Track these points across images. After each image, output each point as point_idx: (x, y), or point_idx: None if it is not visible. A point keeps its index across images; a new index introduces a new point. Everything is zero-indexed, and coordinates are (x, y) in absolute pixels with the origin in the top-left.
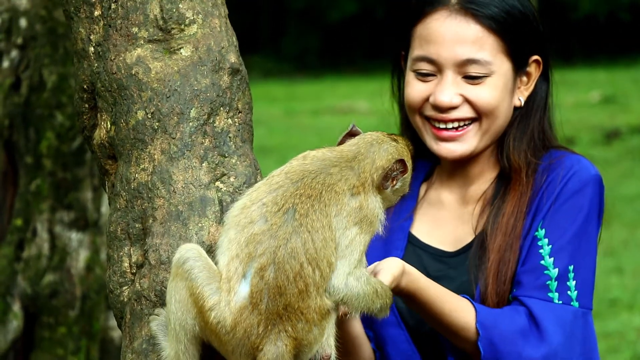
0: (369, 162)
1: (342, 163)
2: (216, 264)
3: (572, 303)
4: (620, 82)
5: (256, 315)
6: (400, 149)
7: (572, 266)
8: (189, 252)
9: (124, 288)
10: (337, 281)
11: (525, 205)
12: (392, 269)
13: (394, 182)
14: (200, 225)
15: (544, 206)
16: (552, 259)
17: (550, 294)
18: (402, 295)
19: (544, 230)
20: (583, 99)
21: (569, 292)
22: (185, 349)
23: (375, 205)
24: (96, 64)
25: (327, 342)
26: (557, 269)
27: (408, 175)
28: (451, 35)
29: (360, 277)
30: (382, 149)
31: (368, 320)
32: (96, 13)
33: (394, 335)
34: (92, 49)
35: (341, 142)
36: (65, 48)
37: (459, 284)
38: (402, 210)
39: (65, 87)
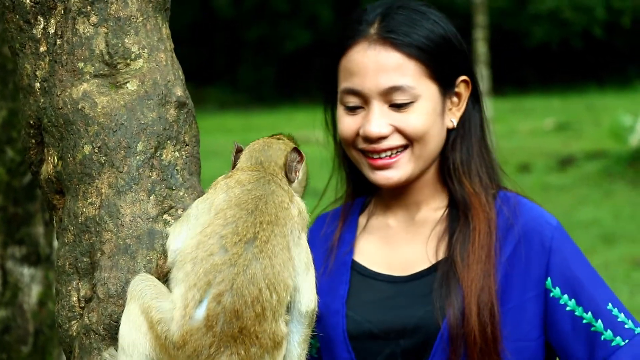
0: (274, 165)
1: (270, 177)
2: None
3: (636, 332)
4: (573, 109)
5: (210, 337)
6: (287, 142)
7: (609, 304)
8: (143, 277)
9: (73, 322)
10: (308, 297)
11: (494, 233)
12: None
13: (296, 173)
14: (148, 258)
15: (529, 264)
16: (589, 313)
17: (613, 344)
18: None
19: (558, 289)
20: (537, 126)
21: (626, 326)
22: None
23: (304, 207)
24: (42, 100)
25: None
26: (599, 320)
27: (304, 164)
28: (372, 65)
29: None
30: (275, 149)
31: (328, 357)
32: (42, 49)
33: None
34: (38, 84)
35: (234, 162)
36: (14, 83)
37: (421, 313)
38: (341, 244)
39: (15, 122)
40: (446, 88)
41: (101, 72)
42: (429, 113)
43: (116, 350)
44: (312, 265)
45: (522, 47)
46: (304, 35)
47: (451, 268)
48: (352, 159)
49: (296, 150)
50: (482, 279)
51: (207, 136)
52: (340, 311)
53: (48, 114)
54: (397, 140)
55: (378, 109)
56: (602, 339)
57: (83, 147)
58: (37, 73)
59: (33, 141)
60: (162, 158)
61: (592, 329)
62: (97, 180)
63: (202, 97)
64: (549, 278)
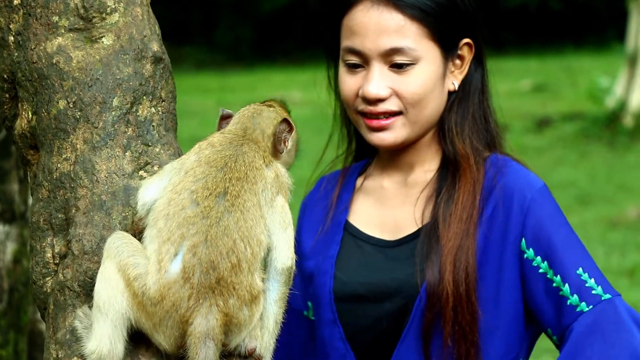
0: (259, 133)
1: (244, 140)
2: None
3: (602, 298)
4: (551, 71)
5: (187, 288)
6: (279, 111)
7: (580, 268)
8: (119, 235)
9: (47, 279)
10: (285, 254)
11: (479, 193)
12: None
13: (285, 143)
14: (124, 214)
15: (508, 223)
16: (558, 276)
17: (577, 309)
18: None
19: (532, 250)
20: (515, 87)
21: (593, 292)
22: (113, 331)
23: (284, 171)
24: (16, 54)
25: (254, 332)
26: (567, 284)
27: (295, 133)
28: (374, 25)
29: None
30: (264, 117)
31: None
32: (15, 2)
33: (330, 334)
34: (11, 38)
35: (219, 128)
36: None
37: (403, 276)
38: (338, 203)
39: None
40: (448, 50)
41: (76, 26)
42: (429, 76)
43: (90, 309)
44: (291, 224)
45: (500, 8)
46: None
47: (434, 228)
48: (352, 120)
49: (286, 120)
50: (461, 238)
51: (183, 96)
52: (328, 271)
53: (22, 68)
54: (393, 105)
55: (378, 69)
56: (568, 303)
57: (58, 102)
58: (11, 26)
59: (7, 96)
60: (138, 114)
61: (560, 292)
62: (72, 136)
63: (178, 57)
64: (523, 239)
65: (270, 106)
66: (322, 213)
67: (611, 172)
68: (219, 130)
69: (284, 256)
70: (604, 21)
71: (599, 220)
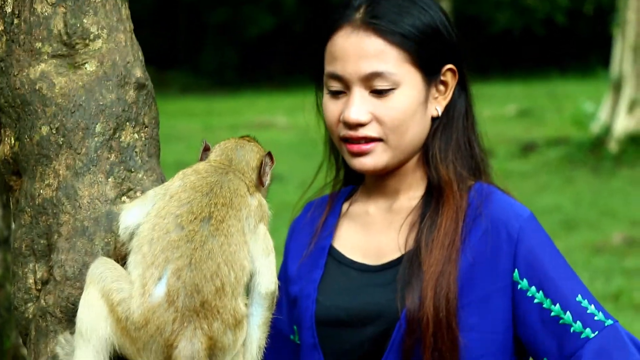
0: (245, 164)
1: (229, 169)
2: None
3: (605, 324)
4: (535, 96)
5: (172, 312)
6: (258, 146)
7: (579, 295)
8: (102, 261)
9: (29, 305)
10: (268, 279)
11: (461, 220)
12: None
13: (267, 175)
14: (106, 240)
15: (500, 254)
16: (557, 305)
17: (582, 336)
18: None
19: (525, 280)
20: (499, 113)
21: (595, 318)
22: (95, 357)
23: (265, 202)
24: None
25: (237, 358)
26: (568, 312)
27: (273, 166)
28: (354, 50)
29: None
30: (247, 150)
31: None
32: None
33: (310, 358)
34: None
35: (201, 159)
36: None
37: (384, 301)
38: (323, 228)
39: None
40: (431, 76)
41: (59, 52)
42: (410, 101)
43: (72, 335)
44: (272, 251)
45: (484, 34)
46: (267, 20)
47: (416, 254)
48: (336, 146)
49: (270, 154)
50: (443, 264)
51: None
52: (311, 295)
53: (5, 94)
54: (373, 131)
55: (359, 94)
56: (572, 331)
57: (40, 128)
58: None
59: None
60: (121, 140)
61: (561, 321)
62: (54, 162)
63: (164, 81)
64: (516, 270)
65: (249, 141)
66: (307, 238)
67: (596, 198)
68: (201, 160)
69: (267, 281)
70: (588, 47)
71: (584, 245)
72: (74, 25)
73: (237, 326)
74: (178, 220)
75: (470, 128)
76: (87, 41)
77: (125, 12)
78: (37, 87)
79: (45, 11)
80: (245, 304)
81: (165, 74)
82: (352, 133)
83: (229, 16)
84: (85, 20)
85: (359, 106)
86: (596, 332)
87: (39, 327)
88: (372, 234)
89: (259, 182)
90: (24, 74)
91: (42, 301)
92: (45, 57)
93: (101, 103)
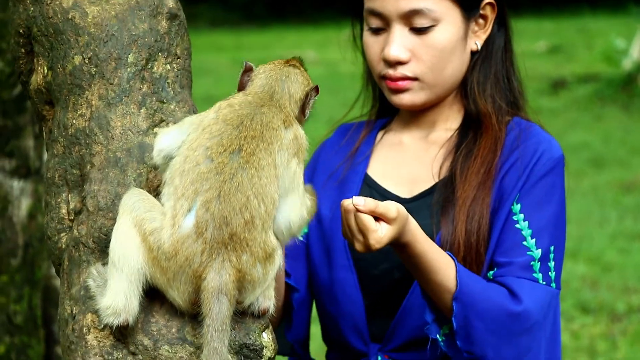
0: (287, 98)
1: (266, 102)
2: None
3: (551, 284)
4: (566, 32)
5: (200, 243)
6: (305, 74)
7: (553, 247)
8: (135, 191)
9: (62, 235)
10: (294, 214)
11: (499, 150)
12: (402, 212)
13: (309, 107)
14: (138, 171)
15: (516, 178)
16: (534, 239)
17: (534, 274)
18: (398, 244)
19: (519, 205)
20: (530, 49)
21: (549, 273)
22: (128, 286)
23: (303, 134)
24: (32, 8)
25: (267, 292)
26: (540, 250)
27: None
28: None
29: (307, 205)
30: (293, 81)
31: (325, 262)
32: None
33: (344, 279)
34: None
35: (241, 81)
36: None
37: None
38: (357, 154)
39: (5, 33)
40: (470, 11)
41: None
42: (450, 37)
43: (103, 266)
44: (301, 185)
45: None
46: None
47: (450, 181)
48: (376, 82)
49: (316, 89)
50: (476, 190)
51: (198, 54)
52: None
53: (38, 22)
54: (410, 71)
55: (399, 31)
56: (531, 264)
57: (73, 58)
58: None
59: (22, 50)
60: (153, 70)
61: (528, 252)
62: (87, 92)
63: (193, 14)
64: (518, 194)
65: (294, 67)
66: (337, 160)
67: (626, 135)
68: (241, 83)
69: (296, 215)
70: None
71: (613, 183)
72: None
73: (267, 259)
74: (208, 152)
75: (509, 62)
76: None
77: None
78: (69, 16)
79: None
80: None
81: (193, 7)
82: (391, 72)
83: None
84: None
85: (398, 44)
86: (544, 282)
87: (72, 257)
88: (405, 164)
89: (301, 114)
90: (57, 2)
91: (75, 231)
92: None
93: (133, 33)
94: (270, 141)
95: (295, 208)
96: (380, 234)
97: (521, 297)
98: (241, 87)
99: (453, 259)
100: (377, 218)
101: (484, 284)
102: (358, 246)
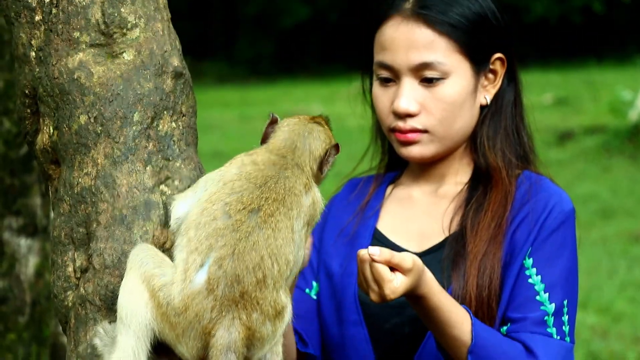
0: (307, 154)
1: (289, 163)
2: (173, 261)
3: (566, 338)
4: (572, 84)
5: (211, 300)
6: (327, 132)
7: (566, 301)
8: (143, 247)
9: (68, 293)
10: None
11: (509, 204)
12: (418, 263)
13: (329, 165)
14: (144, 229)
15: (527, 233)
16: (547, 294)
17: (548, 329)
18: (413, 295)
19: (531, 259)
20: (536, 101)
21: (563, 327)
22: (136, 342)
23: (320, 198)
24: (38, 69)
25: (275, 348)
26: (553, 304)
27: (338, 154)
28: (404, 40)
29: None
30: (314, 138)
31: (335, 317)
32: (37, 18)
33: (355, 334)
34: (33, 53)
35: (266, 132)
36: (11, 54)
37: None
38: (367, 209)
39: (12, 94)
40: (480, 65)
41: (97, 41)
42: (459, 91)
43: (110, 325)
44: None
45: (521, 23)
46: (302, 10)
47: (461, 235)
48: (386, 135)
49: (337, 146)
50: (488, 244)
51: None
52: (354, 273)
53: (43, 83)
54: (420, 123)
55: (409, 84)
56: (542, 309)
57: (79, 117)
58: (33, 42)
59: (28, 111)
60: (158, 128)
61: (542, 307)
62: (93, 151)
63: (199, 71)
64: (530, 248)
65: (318, 124)
66: (347, 216)
67: (633, 186)
68: (265, 133)
69: None
70: (625, 35)
71: (621, 234)
72: (112, 15)
73: (277, 317)
74: (226, 208)
75: (519, 117)
76: (124, 30)
77: (162, 1)
78: (75, 77)
79: (83, 0)
80: (287, 296)
81: (200, 64)
82: (400, 124)
83: (264, 6)
84: (122, 10)
85: (408, 96)
86: (558, 337)
87: (78, 315)
88: (415, 218)
89: (319, 172)
90: (62, 63)
91: (82, 289)
92: (84, 46)
93: (139, 92)
94: (291, 207)
95: None
96: (395, 284)
97: (537, 354)
98: (265, 138)
99: (468, 311)
100: (393, 269)
101: (499, 338)
102: (373, 296)
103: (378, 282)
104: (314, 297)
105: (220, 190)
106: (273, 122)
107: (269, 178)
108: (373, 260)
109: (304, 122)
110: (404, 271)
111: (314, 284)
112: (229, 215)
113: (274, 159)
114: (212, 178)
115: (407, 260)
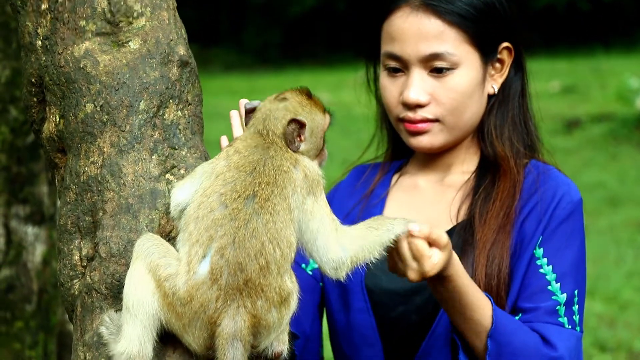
0: (272, 135)
1: (269, 142)
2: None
3: (576, 328)
4: (580, 72)
5: (215, 290)
6: (289, 107)
7: (576, 290)
8: (149, 237)
9: (75, 281)
10: (333, 254)
11: (518, 193)
12: (449, 240)
13: (300, 138)
14: (150, 217)
15: (536, 223)
16: (558, 284)
17: (560, 319)
18: (440, 276)
19: (542, 249)
20: (543, 89)
21: (574, 317)
22: (142, 331)
23: (312, 166)
24: (44, 58)
25: (282, 336)
26: (565, 294)
27: (309, 128)
28: (413, 31)
29: (347, 233)
30: (273, 118)
31: (341, 304)
32: (43, 6)
33: (362, 322)
34: (39, 42)
35: (247, 121)
36: (18, 43)
37: None
38: (372, 196)
39: (18, 82)
40: (488, 55)
41: (103, 30)
42: (469, 81)
43: (116, 313)
44: (334, 221)
45: (528, 10)
46: None
47: (469, 224)
48: (393, 125)
49: (294, 120)
50: (496, 233)
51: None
52: None
53: (50, 72)
54: (430, 113)
55: (418, 75)
56: (553, 298)
57: (85, 106)
58: (39, 31)
59: (35, 99)
60: (164, 117)
61: (553, 297)
62: (99, 139)
63: (207, 59)
64: (540, 238)
65: (282, 100)
66: (351, 202)
67: None
68: (246, 123)
69: (335, 255)
70: (633, 22)
71: (629, 222)
72: (118, 3)
73: (282, 304)
74: (222, 198)
75: (526, 106)
76: (130, 19)
77: None
78: (81, 65)
79: None
80: (292, 281)
81: (208, 51)
82: (410, 115)
83: None
84: None
85: (418, 87)
86: (570, 327)
87: (85, 303)
88: (422, 207)
89: (290, 148)
90: (69, 52)
91: (88, 278)
92: (90, 35)
93: (145, 81)
94: (284, 185)
95: (330, 249)
96: (434, 260)
97: (554, 344)
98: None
99: (488, 297)
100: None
101: (518, 325)
102: (412, 274)
103: (417, 259)
104: (310, 273)
105: (213, 183)
106: (249, 112)
107: (256, 162)
108: (412, 236)
109: (269, 102)
110: (440, 247)
111: (311, 260)
112: (225, 205)
113: (254, 143)
114: (206, 170)
115: (444, 235)
